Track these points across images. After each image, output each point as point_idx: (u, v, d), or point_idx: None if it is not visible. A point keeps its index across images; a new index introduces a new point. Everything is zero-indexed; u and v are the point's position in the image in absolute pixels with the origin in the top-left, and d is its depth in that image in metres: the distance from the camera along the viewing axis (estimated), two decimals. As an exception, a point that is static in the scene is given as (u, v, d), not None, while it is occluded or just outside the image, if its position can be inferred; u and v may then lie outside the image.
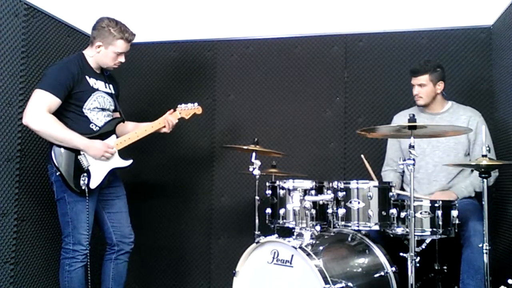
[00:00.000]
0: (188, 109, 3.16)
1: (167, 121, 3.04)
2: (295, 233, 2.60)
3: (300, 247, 2.39)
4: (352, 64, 3.65)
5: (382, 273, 2.59)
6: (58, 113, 2.71)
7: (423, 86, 3.01)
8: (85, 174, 2.73)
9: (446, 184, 3.00)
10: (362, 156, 2.96)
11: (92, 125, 2.83)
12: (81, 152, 2.74)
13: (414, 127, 2.37)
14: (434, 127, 2.54)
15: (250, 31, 3.86)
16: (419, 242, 2.59)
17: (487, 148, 2.43)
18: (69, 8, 3.62)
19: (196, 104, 3.19)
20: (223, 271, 3.73)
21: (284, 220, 2.75)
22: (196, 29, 3.97)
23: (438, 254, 2.86)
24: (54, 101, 2.67)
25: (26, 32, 3.03)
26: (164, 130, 3.06)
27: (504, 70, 3.14)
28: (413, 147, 2.36)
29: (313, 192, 2.68)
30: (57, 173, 2.69)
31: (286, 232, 2.68)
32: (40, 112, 2.62)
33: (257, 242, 2.56)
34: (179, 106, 3.15)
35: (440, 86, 3.03)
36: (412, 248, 2.33)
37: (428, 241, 2.62)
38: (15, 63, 2.95)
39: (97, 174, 2.79)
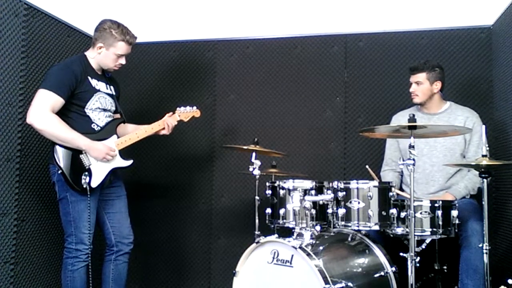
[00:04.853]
0: (187, 112, 3.17)
1: (166, 123, 3.05)
2: (295, 233, 2.60)
3: (300, 247, 2.39)
4: (352, 64, 3.65)
5: (382, 273, 2.59)
6: (60, 113, 2.72)
7: (420, 84, 3.03)
8: (87, 173, 2.74)
9: (444, 184, 3.00)
10: (367, 166, 2.98)
11: (94, 125, 2.84)
12: (83, 151, 2.75)
13: (414, 127, 2.37)
14: (434, 127, 2.54)
15: (250, 31, 3.86)
16: (419, 242, 2.59)
17: (487, 148, 2.43)
18: (69, 8, 3.62)
19: (194, 107, 3.20)
20: (223, 271, 3.73)
21: (284, 220, 2.75)
22: (196, 29, 3.97)
23: (438, 254, 2.86)
24: (58, 101, 2.68)
25: (26, 32, 3.03)
26: (163, 132, 3.08)
27: (504, 70, 3.14)
28: (413, 147, 2.36)
29: (313, 192, 2.68)
30: (59, 172, 2.71)
31: (286, 232, 2.68)
32: (44, 111, 2.64)
33: (257, 242, 2.56)
34: (178, 109, 3.16)
35: (438, 86, 3.03)
36: (412, 248, 2.34)
37: (428, 241, 2.62)
38: (15, 63, 2.95)
39: (98, 173, 2.79)
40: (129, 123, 3.11)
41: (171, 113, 3.13)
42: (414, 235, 2.37)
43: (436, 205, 2.54)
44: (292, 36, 3.78)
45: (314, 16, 3.79)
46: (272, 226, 2.83)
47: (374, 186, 2.57)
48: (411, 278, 2.34)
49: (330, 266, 2.38)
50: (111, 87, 3.01)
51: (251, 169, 2.93)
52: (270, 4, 3.89)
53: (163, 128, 3.06)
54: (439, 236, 2.55)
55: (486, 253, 2.42)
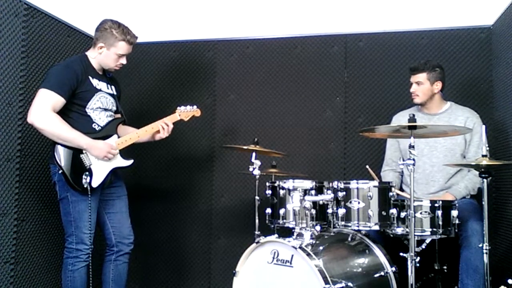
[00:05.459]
0: (187, 111, 3.16)
1: (161, 125, 3.00)
2: (295, 233, 2.60)
3: (300, 247, 2.39)
4: (352, 64, 3.65)
5: (382, 273, 2.59)
6: (61, 113, 2.72)
7: (420, 84, 3.03)
8: (87, 173, 2.74)
9: (444, 184, 3.00)
10: (367, 166, 2.98)
11: (95, 125, 2.84)
12: (83, 151, 2.75)
13: (414, 127, 2.37)
14: (434, 127, 2.54)
15: (250, 31, 3.86)
16: (419, 242, 2.59)
17: (487, 148, 2.43)
18: (69, 8, 3.62)
19: (195, 106, 3.20)
20: (223, 271, 3.73)
21: (284, 220, 2.75)
22: (196, 29, 3.97)
23: (438, 254, 2.86)
24: (59, 100, 2.69)
25: (26, 32, 3.03)
26: (159, 135, 3.03)
27: (504, 70, 3.15)
28: (413, 147, 2.36)
29: (313, 192, 2.68)
30: (60, 172, 2.71)
31: (286, 232, 2.68)
32: (44, 111, 2.64)
33: (257, 242, 2.56)
34: (178, 108, 3.15)
35: (438, 86, 3.03)
36: (412, 248, 2.34)
37: (428, 241, 2.62)
38: (15, 63, 2.95)
39: (99, 173, 2.79)
40: (129, 126, 3.09)
41: (167, 121, 3.08)
42: (414, 235, 2.37)
43: (436, 205, 2.54)
44: (292, 36, 3.78)
45: (314, 16, 3.79)
46: (272, 226, 2.83)
47: (374, 186, 2.57)
48: (411, 278, 2.34)
49: (330, 266, 2.38)
50: (112, 87, 3.01)
51: (251, 169, 2.93)
52: (270, 4, 3.89)
53: (158, 131, 3.02)
54: (439, 236, 2.55)
55: (486, 253, 2.42)
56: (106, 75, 3.00)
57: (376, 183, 2.63)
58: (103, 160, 2.80)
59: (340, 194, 2.61)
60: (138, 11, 4.01)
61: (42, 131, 2.69)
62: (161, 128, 3.01)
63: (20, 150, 2.97)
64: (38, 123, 2.65)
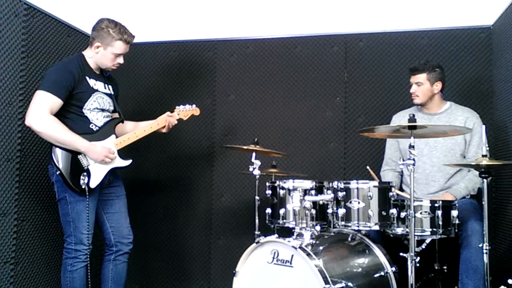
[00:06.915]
0: (186, 110, 3.17)
1: (166, 121, 3.05)
2: (295, 233, 2.60)
3: (300, 247, 2.39)
4: (352, 64, 3.65)
5: (382, 273, 2.59)
6: (58, 114, 2.71)
7: (420, 85, 3.03)
8: (85, 174, 2.74)
9: (444, 184, 3.00)
10: (368, 167, 2.98)
11: (92, 125, 2.84)
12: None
13: (414, 127, 2.37)
14: (434, 127, 2.53)
15: (250, 31, 3.86)
16: (419, 242, 2.59)
17: (487, 148, 2.43)
18: (69, 8, 3.62)
19: (194, 105, 3.20)
20: (223, 271, 3.73)
21: (284, 220, 2.75)
22: (196, 29, 3.97)
23: (438, 254, 2.86)
24: (56, 102, 2.68)
25: (26, 32, 3.03)
26: (163, 130, 3.08)
27: (504, 70, 3.14)
28: (413, 147, 2.36)
29: (313, 192, 2.68)
30: (58, 173, 2.70)
31: (286, 232, 2.68)
32: (42, 113, 2.63)
33: (257, 242, 2.57)
34: (177, 107, 3.16)
35: (438, 86, 3.03)
36: (412, 248, 2.34)
37: (428, 241, 2.62)
38: (15, 63, 2.95)
39: (97, 173, 2.79)
40: (128, 121, 3.11)
41: (169, 112, 3.12)
42: (414, 235, 2.37)
43: (436, 205, 2.54)
44: (292, 36, 3.78)
45: (314, 16, 3.79)
46: (272, 226, 2.83)
47: (374, 186, 2.57)
48: (411, 278, 2.33)
49: (330, 266, 2.38)
50: (110, 86, 3.00)
51: (251, 169, 2.93)
52: (270, 4, 3.89)
53: (163, 127, 3.06)
54: (439, 236, 2.55)
55: (486, 253, 2.42)
56: (104, 75, 2.99)
57: (376, 183, 2.63)
58: (101, 163, 2.80)
59: (340, 194, 2.61)
60: (138, 11, 4.01)
61: (40, 134, 2.68)
62: (166, 124, 3.04)
63: (20, 150, 2.97)
64: (36, 126, 2.64)
